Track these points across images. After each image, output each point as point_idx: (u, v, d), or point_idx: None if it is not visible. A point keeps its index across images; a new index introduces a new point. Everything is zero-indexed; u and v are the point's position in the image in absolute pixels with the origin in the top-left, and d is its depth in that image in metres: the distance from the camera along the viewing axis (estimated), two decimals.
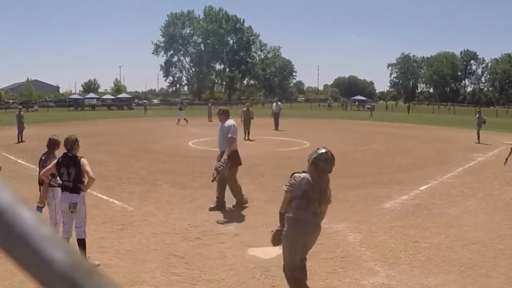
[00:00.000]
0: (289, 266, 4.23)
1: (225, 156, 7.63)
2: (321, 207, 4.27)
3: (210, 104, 34.57)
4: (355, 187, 9.89)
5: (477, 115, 20.70)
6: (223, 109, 8.57)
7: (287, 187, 4.23)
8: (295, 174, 4.27)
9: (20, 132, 18.49)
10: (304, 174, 4.22)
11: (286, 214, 4.23)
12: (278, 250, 5.86)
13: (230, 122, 8.08)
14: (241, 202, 8.07)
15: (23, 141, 17.71)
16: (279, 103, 26.56)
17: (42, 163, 5.79)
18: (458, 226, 7.15)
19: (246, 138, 18.98)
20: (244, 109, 20.67)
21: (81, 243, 5.27)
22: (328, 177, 4.30)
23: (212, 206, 7.86)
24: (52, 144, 5.91)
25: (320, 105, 71.81)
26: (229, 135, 7.81)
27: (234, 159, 7.88)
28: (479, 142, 19.02)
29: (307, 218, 4.16)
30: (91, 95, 69.60)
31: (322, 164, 4.18)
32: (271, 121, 25.02)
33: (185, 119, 27.84)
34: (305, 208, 4.14)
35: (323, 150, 4.22)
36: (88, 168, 5.31)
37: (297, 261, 4.24)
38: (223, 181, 7.86)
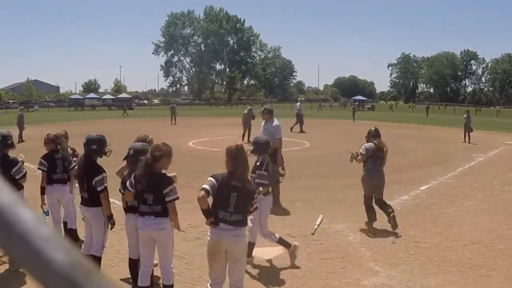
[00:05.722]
0: (365, 196, 6.98)
1: (279, 159, 8.08)
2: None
3: (173, 106, 31.29)
4: (354, 187, 9.81)
5: (465, 115, 20.16)
6: (268, 108, 9.02)
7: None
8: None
9: (20, 132, 18.51)
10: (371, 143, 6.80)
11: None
12: (278, 250, 5.89)
13: (276, 122, 8.41)
14: (275, 198, 8.27)
15: (23, 141, 17.69)
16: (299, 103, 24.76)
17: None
18: (458, 226, 7.15)
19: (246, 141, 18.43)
20: (245, 112, 19.36)
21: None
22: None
23: None
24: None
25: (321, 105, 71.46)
26: (277, 136, 8.16)
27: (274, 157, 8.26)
28: (465, 141, 19.09)
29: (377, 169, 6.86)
30: (92, 95, 69.63)
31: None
32: None
33: None
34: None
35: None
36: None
37: (370, 194, 6.90)
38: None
